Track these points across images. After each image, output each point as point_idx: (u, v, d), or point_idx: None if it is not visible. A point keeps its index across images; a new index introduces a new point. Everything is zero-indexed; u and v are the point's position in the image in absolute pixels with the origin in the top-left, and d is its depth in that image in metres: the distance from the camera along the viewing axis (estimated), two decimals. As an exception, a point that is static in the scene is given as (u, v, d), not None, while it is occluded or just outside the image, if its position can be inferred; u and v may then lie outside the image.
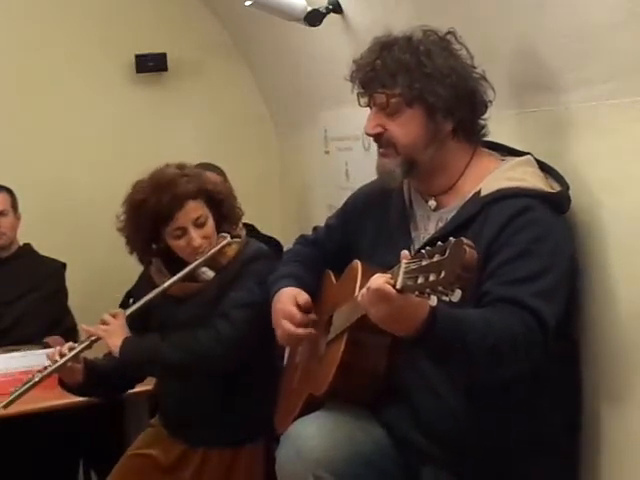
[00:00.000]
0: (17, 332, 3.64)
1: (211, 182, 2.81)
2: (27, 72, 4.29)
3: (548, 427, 2.07)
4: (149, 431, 2.92)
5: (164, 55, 4.41)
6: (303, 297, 2.30)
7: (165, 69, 4.44)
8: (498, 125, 2.26)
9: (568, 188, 2.09)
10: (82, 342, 2.71)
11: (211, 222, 2.74)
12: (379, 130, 2.12)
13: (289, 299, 2.30)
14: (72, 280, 3.97)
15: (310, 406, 2.22)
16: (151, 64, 4.41)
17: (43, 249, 4.03)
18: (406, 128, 2.08)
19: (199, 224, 2.70)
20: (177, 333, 2.68)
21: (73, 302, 3.94)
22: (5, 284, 3.82)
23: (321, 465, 2.02)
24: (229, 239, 2.74)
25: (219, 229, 2.77)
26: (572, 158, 2.19)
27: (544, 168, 2.14)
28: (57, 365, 2.65)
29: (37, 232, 4.09)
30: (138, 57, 4.39)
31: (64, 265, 3.99)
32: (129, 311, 2.74)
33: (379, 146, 2.15)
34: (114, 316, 2.71)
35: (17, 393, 2.65)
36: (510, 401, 2.02)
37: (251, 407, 2.70)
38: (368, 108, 2.15)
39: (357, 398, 2.16)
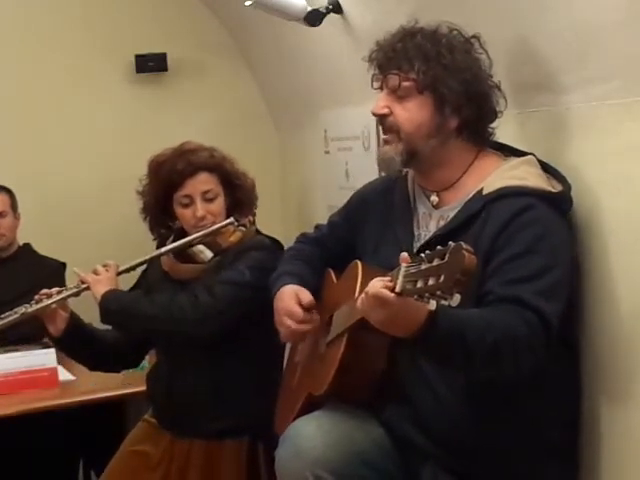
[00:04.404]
0: (17, 332, 3.63)
1: (232, 165, 2.82)
2: (27, 72, 4.28)
3: (547, 427, 2.07)
4: (140, 426, 2.94)
5: (164, 55, 4.41)
6: (305, 294, 2.30)
7: (165, 69, 4.43)
8: (499, 125, 2.26)
9: (570, 188, 2.09)
10: (70, 288, 2.74)
11: (221, 201, 2.75)
12: (386, 111, 2.12)
13: (290, 297, 2.30)
14: (72, 280, 3.94)
15: (310, 406, 2.23)
16: (151, 64, 4.40)
17: (43, 249, 4.03)
18: (412, 114, 2.09)
19: (208, 198, 2.72)
20: (160, 294, 2.72)
21: (73, 302, 3.93)
22: (5, 284, 3.82)
23: (320, 464, 2.02)
24: (232, 220, 2.74)
25: (229, 214, 2.77)
26: (572, 158, 2.19)
27: (546, 169, 2.14)
28: (42, 305, 2.68)
29: (37, 232, 4.09)
30: (138, 57, 4.38)
31: (64, 265, 3.99)
32: (122, 268, 2.77)
33: (383, 131, 2.16)
34: (107, 268, 2.73)
35: None
36: (509, 401, 2.02)
37: (238, 400, 2.71)
38: (378, 91, 2.15)
39: (356, 398, 2.16)
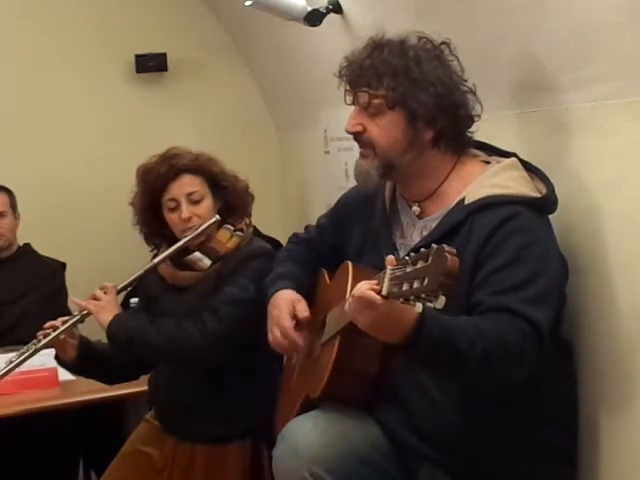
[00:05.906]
0: (17, 332, 3.63)
1: (219, 166, 2.81)
2: (27, 72, 4.28)
3: (544, 429, 2.07)
4: (143, 426, 2.92)
5: (164, 55, 4.41)
6: (302, 308, 2.28)
7: (165, 69, 4.43)
8: (498, 126, 2.26)
9: (554, 189, 2.08)
10: (74, 316, 2.72)
11: (208, 203, 2.73)
12: (358, 129, 2.11)
13: (285, 305, 2.29)
14: (72, 280, 3.97)
15: (307, 407, 2.22)
16: (151, 64, 4.40)
17: (43, 249, 4.03)
18: (385, 130, 2.08)
19: (193, 200, 2.71)
20: (166, 319, 2.70)
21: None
22: (5, 284, 3.83)
23: (317, 462, 2.02)
24: (217, 217, 2.72)
25: (224, 221, 2.76)
26: (572, 158, 2.19)
27: (529, 168, 2.12)
28: (50, 338, 2.66)
29: (37, 232, 4.09)
30: (138, 57, 4.39)
31: (64, 265, 3.99)
32: (120, 286, 2.75)
33: (359, 146, 2.15)
34: (105, 291, 2.72)
35: (9, 367, 2.67)
36: (504, 404, 2.01)
37: (240, 405, 2.70)
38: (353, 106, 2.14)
39: (352, 399, 2.15)
